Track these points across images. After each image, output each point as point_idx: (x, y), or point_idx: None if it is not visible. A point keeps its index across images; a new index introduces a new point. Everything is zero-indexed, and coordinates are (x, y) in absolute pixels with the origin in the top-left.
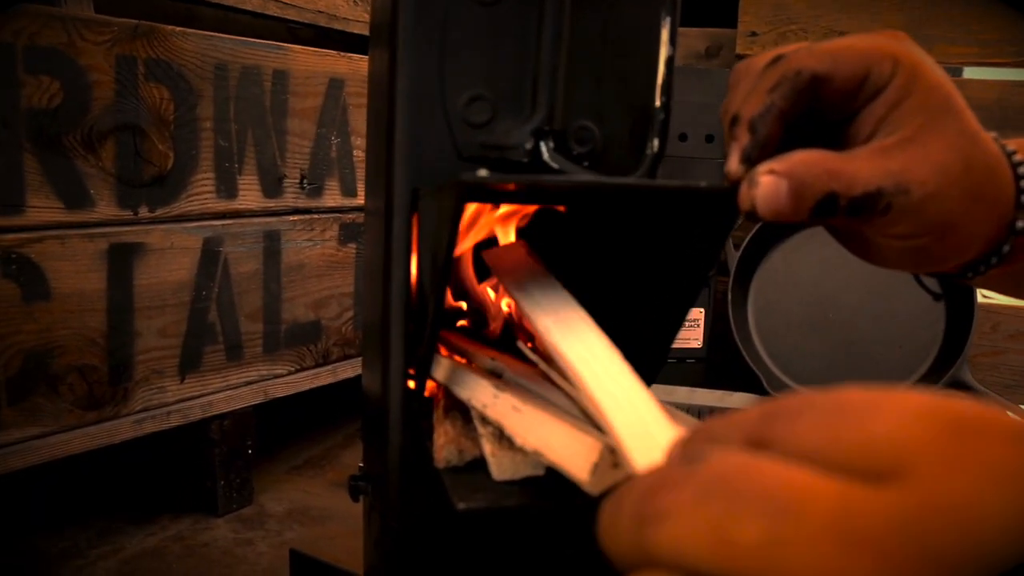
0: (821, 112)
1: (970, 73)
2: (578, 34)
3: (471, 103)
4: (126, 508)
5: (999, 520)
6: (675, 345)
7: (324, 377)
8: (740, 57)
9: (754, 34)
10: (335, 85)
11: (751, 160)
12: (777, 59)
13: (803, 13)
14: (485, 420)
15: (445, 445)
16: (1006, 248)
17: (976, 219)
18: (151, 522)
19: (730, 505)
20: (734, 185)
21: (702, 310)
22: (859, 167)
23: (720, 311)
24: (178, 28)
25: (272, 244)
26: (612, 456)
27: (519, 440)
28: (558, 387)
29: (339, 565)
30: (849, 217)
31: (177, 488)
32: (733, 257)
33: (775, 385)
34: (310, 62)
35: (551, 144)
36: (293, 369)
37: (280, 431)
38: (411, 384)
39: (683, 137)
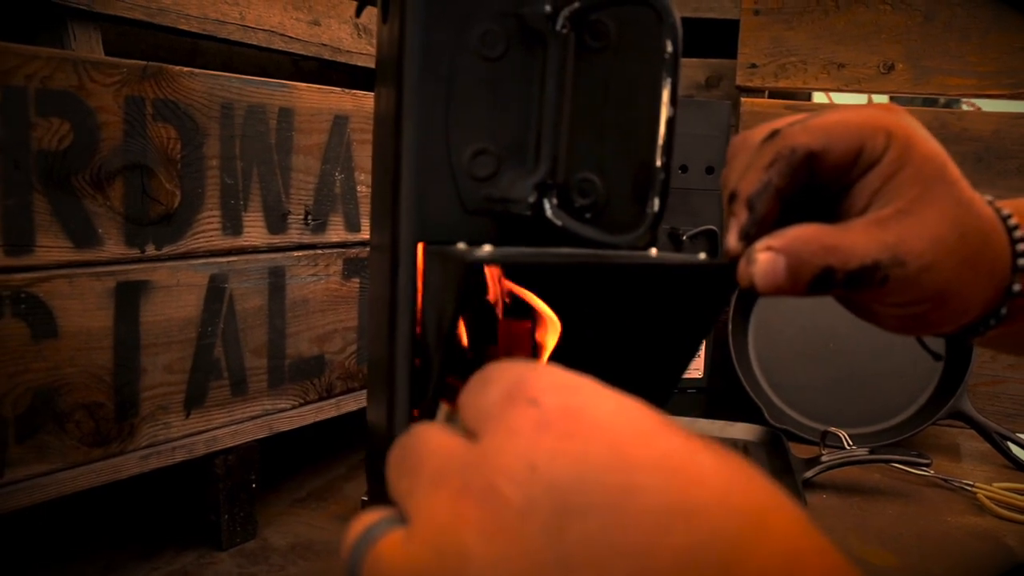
0: (817, 184)
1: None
2: (580, 89)
3: (476, 157)
4: (132, 542)
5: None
6: None
7: (328, 411)
8: (740, 89)
9: (754, 66)
10: (339, 122)
11: (749, 237)
12: (773, 134)
13: (802, 45)
14: None
15: None
16: (1003, 311)
17: (972, 286)
18: (156, 556)
19: (402, 466)
20: (733, 260)
21: (703, 341)
22: (855, 241)
23: (721, 340)
24: (186, 68)
25: (277, 280)
26: None
27: None
28: None
29: None
30: (847, 289)
31: (182, 523)
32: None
33: (776, 415)
34: (315, 99)
35: (554, 201)
36: (297, 403)
37: (283, 464)
38: None
39: (684, 168)
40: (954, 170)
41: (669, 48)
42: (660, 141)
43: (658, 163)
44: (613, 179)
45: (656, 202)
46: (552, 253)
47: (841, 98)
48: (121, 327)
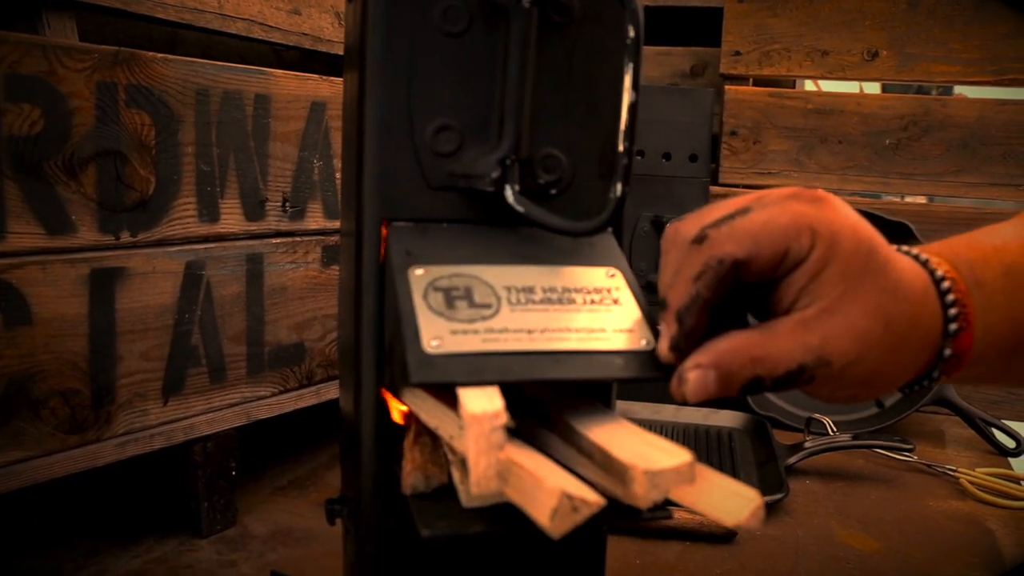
0: (745, 283)
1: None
2: (544, 64)
3: (439, 132)
4: (112, 530)
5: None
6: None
7: (308, 398)
8: (724, 76)
9: (738, 53)
10: (317, 108)
11: (680, 349)
12: (702, 238)
13: (786, 32)
14: (453, 450)
15: (412, 472)
16: (936, 373)
17: (900, 366)
18: (136, 544)
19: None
20: (668, 368)
21: None
22: (780, 347)
23: None
24: (159, 55)
25: (255, 267)
26: (571, 502)
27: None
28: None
29: None
30: (776, 390)
31: (162, 510)
32: None
33: (760, 403)
34: (292, 86)
35: (516, 187)
36: (276, 391)
37: (265, 453)
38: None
39: (667, 156)
40: (881, 254)
41: (631, 33)
42: (623, 126)
43: (620, 148)
44: (579, 156)
45: (619, 187)
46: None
47: (827, 86)
48: (96, 314)
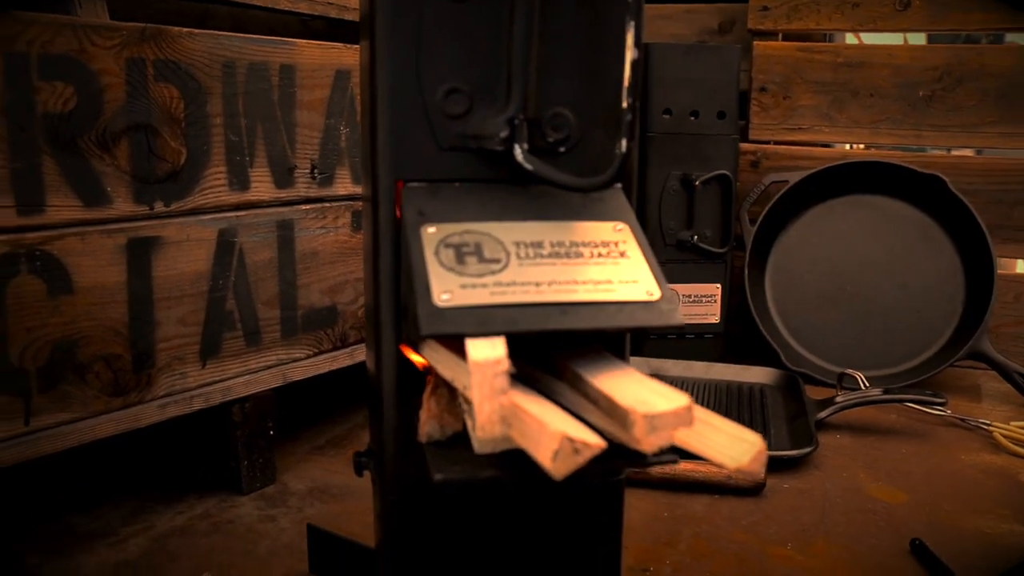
0: None
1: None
2: (549, 26)
3: (448, 95)
4: (157, 489)
5: None
6: (693, 320)
7: (342, 360)
8: (753, 32)
9: (766, 8)
10: (342, 76)
11: None
12: None
13: None
14: (466, 399)
15: (428, 421)
16: None
17: None
18: (180, 501)
19: None
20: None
21: (719, 286)
22: None
23: (738, 285)
24: (185, 29)
25: (286, 233)
26: (572, 444)
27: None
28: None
29: (351, 538)
30: None
31: (204, 469)
32: (749, 232)
33: (793, 359)
34: (316, 55)
35: (525, 145)
36: (311, 353)
37: (304, 414)
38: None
39: (695, 114)
40: None
41: None
42: (625, 83)
43: (624, 104)
44: (586, 114)
45: (623, 143)
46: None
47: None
48: (134, 282)
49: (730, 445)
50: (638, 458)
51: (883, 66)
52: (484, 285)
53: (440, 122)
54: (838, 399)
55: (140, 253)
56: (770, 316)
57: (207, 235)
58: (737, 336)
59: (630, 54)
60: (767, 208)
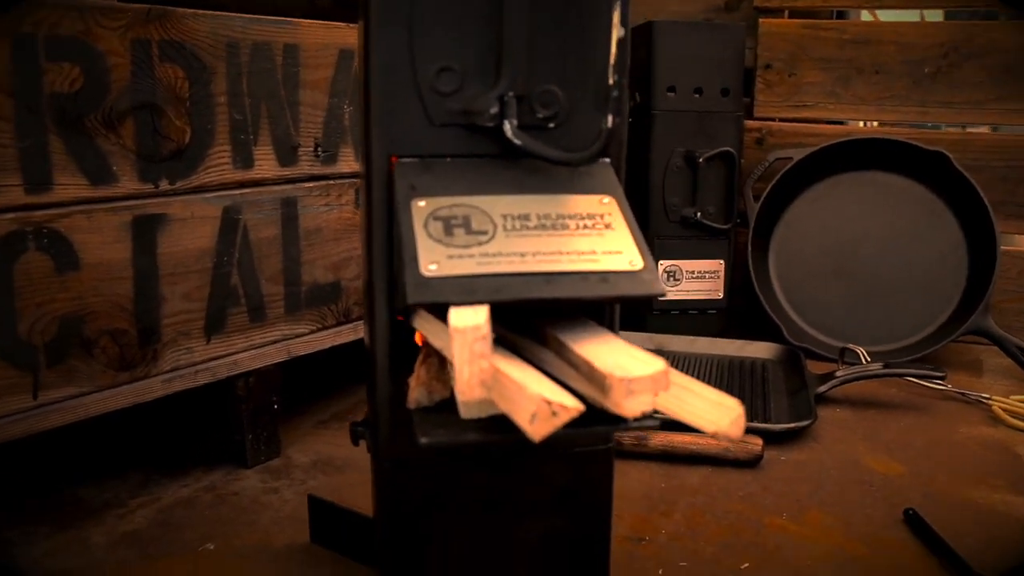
0: None
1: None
2: (538, 6)
3: (440, 74)
4: (163, 463)
5: None
6: (696, 296)
7: (346, 335)
8: (758, 9)
9: None
10: (346, 56)
11: None
12: None
13: None
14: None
15: (416, 387)
16: None
17: None
18: (186, 474)
19: None
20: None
21: (722, 262)
22: None
23: (741, 261)
24: (189, 10)
25: (290, 210)
26: (550, 407)
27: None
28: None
29: (350, 508)
30: None
31: (209, 443)
32: (753, 208)
33: (795, 334)
34: (320, 35)
35: (514, 121)
36: (315, 328)
37: (309, 389)
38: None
39: (699, 91)
40: None
41: None
42: (612, 61)
43: (611, 81)
44: (575, 91)
45: (610, 119)
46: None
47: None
48: (140, 258)
49: (709, 410)
50: (618, 422)
51: (889, 43)
52: (470, 256)
53: (432, 99)
54: (839, 373)
55: (145, 230)
56: (773, 292)
57: (211, 212)
58: (740, 312)
59: (616, 32)
60: (771, 185)
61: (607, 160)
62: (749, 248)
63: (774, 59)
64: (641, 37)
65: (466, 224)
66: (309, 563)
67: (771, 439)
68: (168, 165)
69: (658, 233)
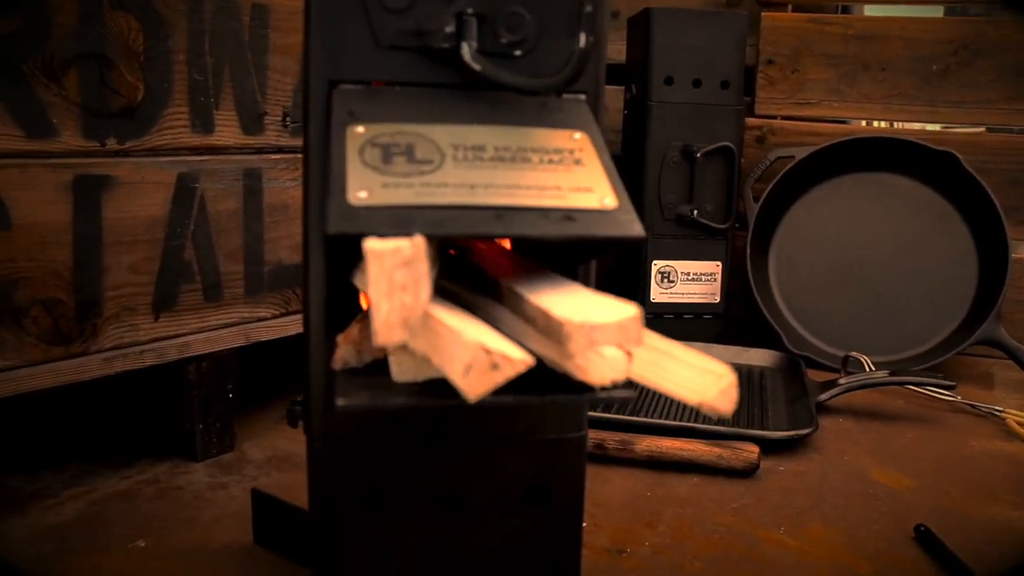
0: None
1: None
2: None
3: None
4: (108, 453)
5: None
6: (691, 299)
7: None
8: (761, 3)
9: None
10: None
11: None
12: None
13: None
14: None
15: (343, 345)
16: None
17: None
18: (129, 466)
19: None
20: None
21: (719, 264)
22: None
23: (739, 265)
24: None
25: (253, 183)
26: (489, 357)
27: (411, 342)
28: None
29: (293, 503)
30: None
31: (160, 433)
32: (753, 209)
33: (796, 342)
34: None
35: (474, 43)
36: (278, 312)
37: (272, 380)
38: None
39: (697, 83)
40: None
41: None
42: None
43: None
44: (545, 14)
45: (583, 37)
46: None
47: (877, 10)
48: (81, 222)
49: (693, 378)
50: (582, 390)
51: (896, 39)
52: (409, 185)
53: (379, 16)
54: (841, 381)
55: (89, 192)
56: (773, 297)
57: (165, 178)
58: (738, 317)
59: None
60: (772, 185)
61: (582, 96)
62: (748, 251)
63: (776, 54)
64: (638, 26)
65: (409, 152)
66: (247, 565)
67: (768, 448)
68: (117, 123)
69: (652, 231)
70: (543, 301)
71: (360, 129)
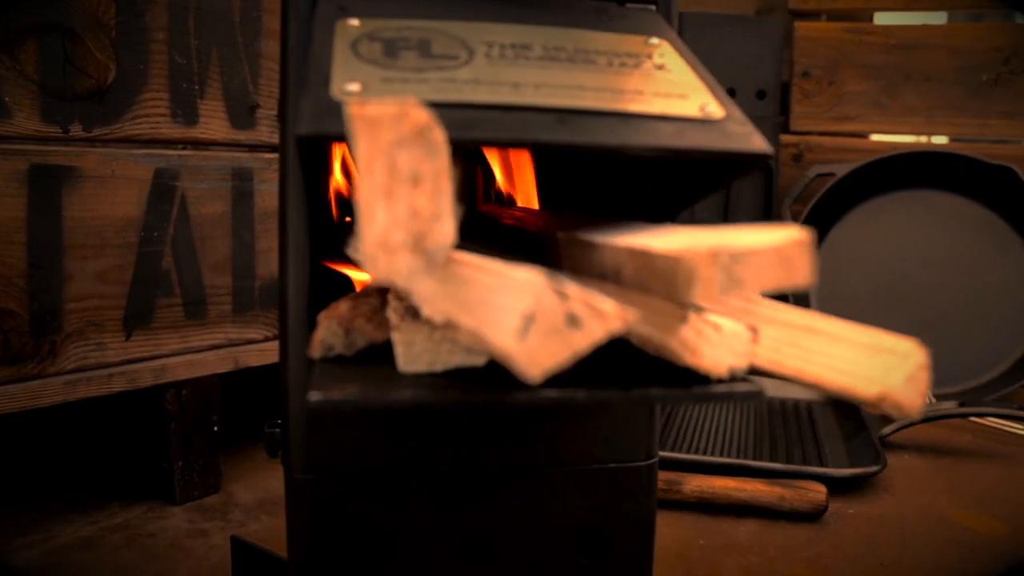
0: None
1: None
2: None
3: None
4: (78, 494)
5: None
6: None
7: None
8: (794, 13)
9: None
10: None
11: None
12: None
13: None
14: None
15: (325, 322)
16: None
17: None
18: (99, 509)
19: None
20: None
21: None
22: None
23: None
24: None
25: (243, 184)
26: (565, 305)
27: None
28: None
29: (276, 553)
30: None
31: (133, 470)
32: None
33: None
34: None
35: None
36: (270, 335)
37: (263, 412)
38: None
39: (731, 92)
40: None
41: None
42: None
43: None
44: None
45: None
46: None
47: (903, 18)
48: (37, 220)
49: (860, 360)
50: (698, 380)
51: (940, 47)
52: (423, 80)
53: None
54: None
55: (47, 184)
56: None
57: (139, 173)
58: None
59: None
60: (811, 205)
61: (652, 7)
62: None
63: (812, 66)
64: None
65: (423, 47)
66: None
67: (831, 488)
68: (84, 106)
69: None
70: (638, 242)
71: (354, 22)
